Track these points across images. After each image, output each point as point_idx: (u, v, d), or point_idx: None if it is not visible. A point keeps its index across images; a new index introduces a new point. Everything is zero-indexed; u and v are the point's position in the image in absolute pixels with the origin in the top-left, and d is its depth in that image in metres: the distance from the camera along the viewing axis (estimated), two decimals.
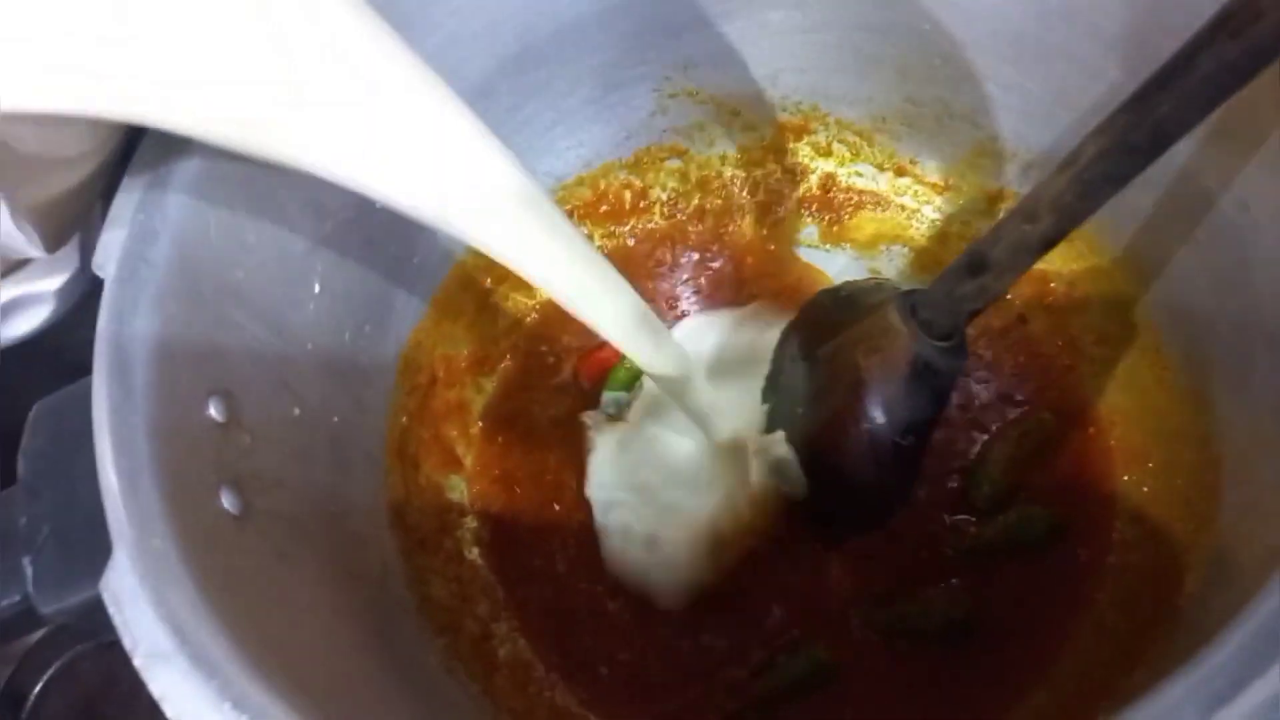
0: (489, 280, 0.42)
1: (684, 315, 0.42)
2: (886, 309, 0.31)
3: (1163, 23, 0.28)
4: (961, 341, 0.30)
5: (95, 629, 0.24)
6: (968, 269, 0.29)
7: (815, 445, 0.33)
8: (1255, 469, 0.29)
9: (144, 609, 0.21)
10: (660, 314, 0.42)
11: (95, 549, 0.23)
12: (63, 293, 0.34)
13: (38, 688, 0.46)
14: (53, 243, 0.29)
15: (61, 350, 0.35)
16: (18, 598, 0.25)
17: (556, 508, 0.39)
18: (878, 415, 0.31)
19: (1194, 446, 0.33)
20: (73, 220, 0.30)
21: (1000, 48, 0.36)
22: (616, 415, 0.39)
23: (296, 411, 0.32)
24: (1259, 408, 0.29)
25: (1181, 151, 0.30)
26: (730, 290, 0.43)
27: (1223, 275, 0.31)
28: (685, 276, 0.44)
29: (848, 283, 0.38)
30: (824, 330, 0.34)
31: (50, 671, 0.46)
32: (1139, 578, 0.32)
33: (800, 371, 0.35)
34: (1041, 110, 0.36)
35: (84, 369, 0.26)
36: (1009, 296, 0.39)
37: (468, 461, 0.40)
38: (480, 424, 0.41)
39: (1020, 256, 0.28)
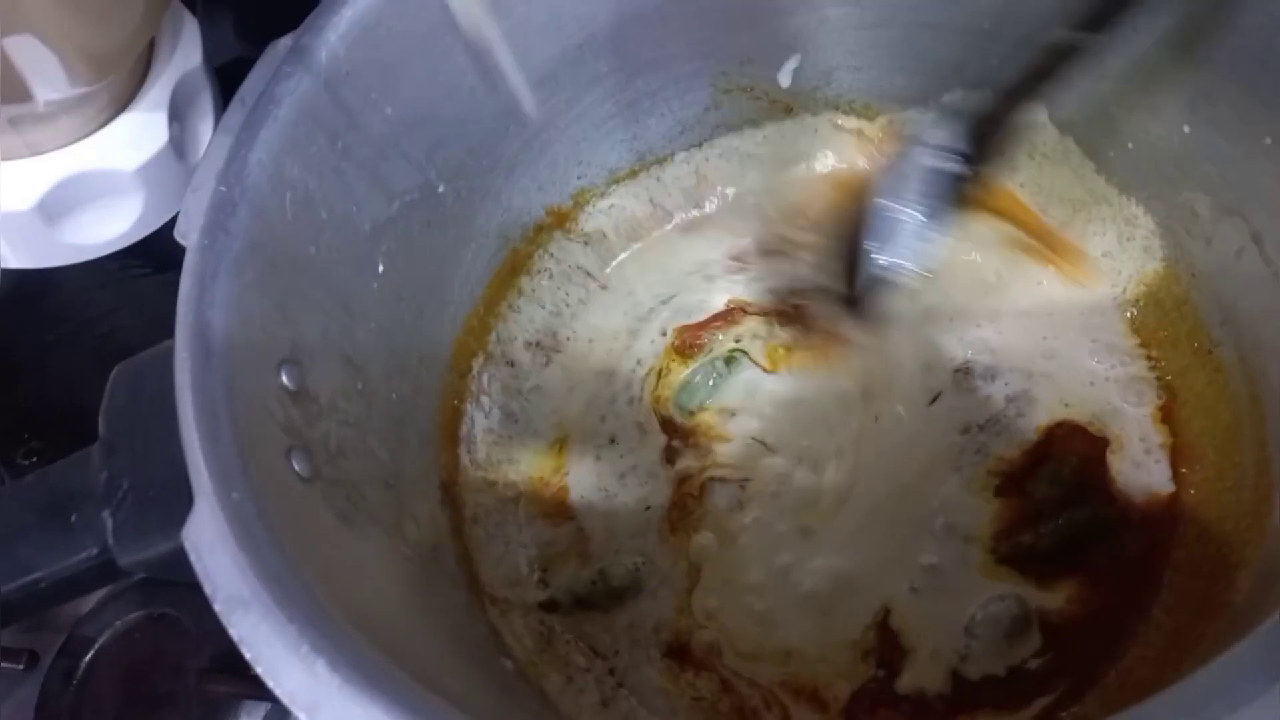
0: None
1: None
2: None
3: None
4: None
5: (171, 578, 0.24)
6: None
7: None
8: None
9: (225, 556, 0.22)
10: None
11: (172, 505, 0.24)
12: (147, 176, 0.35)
13: (88, 658, 0.47)
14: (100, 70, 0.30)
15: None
16: (96, 550, 0.26)
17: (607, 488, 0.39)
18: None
19: (1249, 448, 0.32)
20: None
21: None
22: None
23: (359, 386, 0.33)
24: None
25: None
26: None
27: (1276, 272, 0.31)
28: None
29: None
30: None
31: (99, 642, 0.47)
32: (1193, 576, 0.32)
33: None
34: (1100, 110, 0.36)
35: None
36: None
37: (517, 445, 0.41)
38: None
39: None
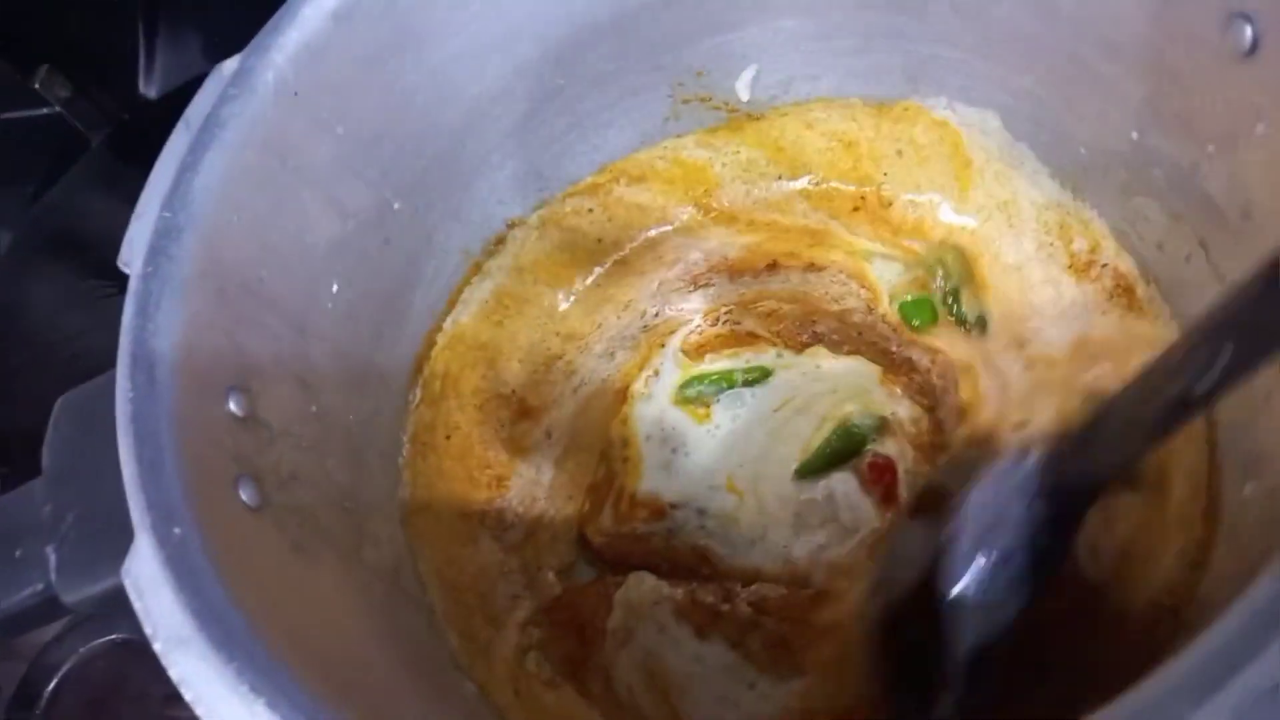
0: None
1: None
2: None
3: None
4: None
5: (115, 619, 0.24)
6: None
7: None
8: (1262, 472, 0.29)
9: (164, 595, 0.21)
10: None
11: (118, 539, 0.24)
12: None
13: (51, 686, 0.46)
14: None
15: None
16: (40, 586, 0.26)
17: (570, 512, 0.39)
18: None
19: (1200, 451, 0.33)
20: None
21: (1013, 57, 0.36)
22: None
23: (314, 409, 0.32)
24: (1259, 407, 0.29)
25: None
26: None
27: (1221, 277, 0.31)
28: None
29: None
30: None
31: (63, 670, 0.46)
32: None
33: None
34: (1052, 121, 0.37)
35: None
36: None
37: (482, 466, 0.41)
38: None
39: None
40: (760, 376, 0.40)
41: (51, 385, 0.32)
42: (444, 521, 0.38)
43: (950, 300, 0.39)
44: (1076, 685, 0.28)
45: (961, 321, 0.39)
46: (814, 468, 0.37)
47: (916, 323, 0.40)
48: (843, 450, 0.37)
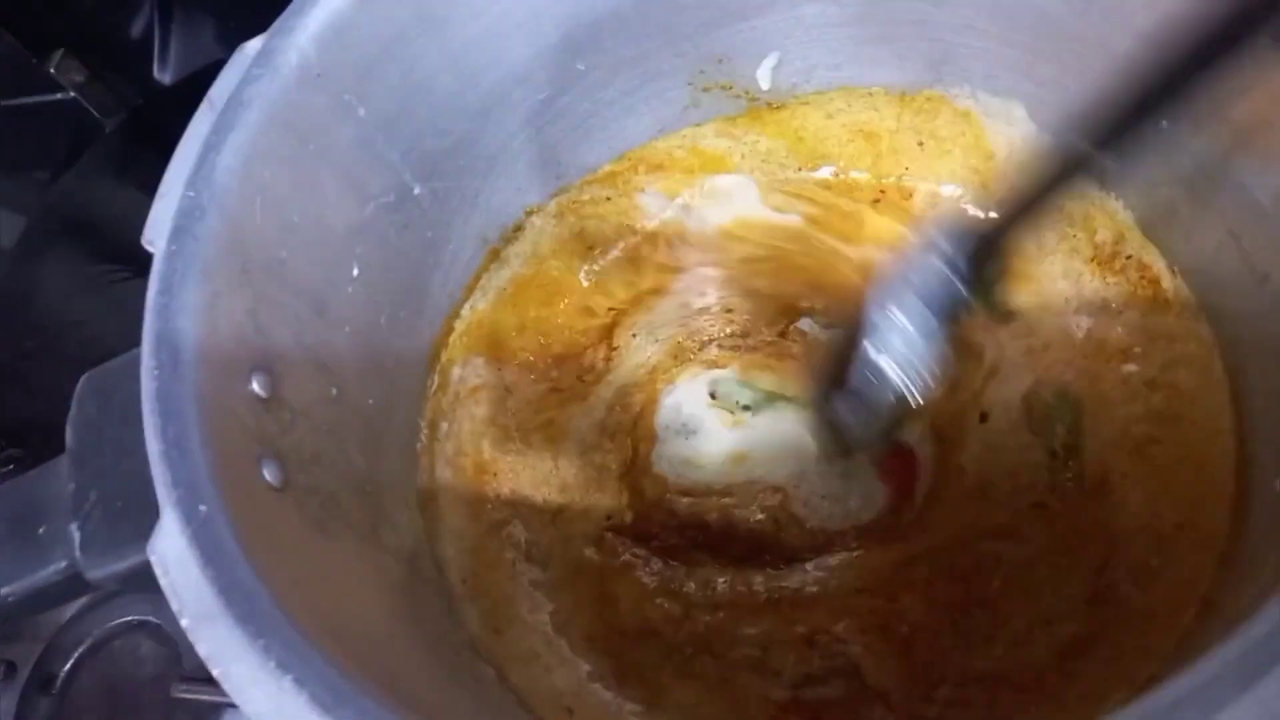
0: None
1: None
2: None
3: None
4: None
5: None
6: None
7: None
8: None
9: (191, 571, 0.21)
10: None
11: (141, 516, 0.24)
12: None
13: (67, 667, 0.46)
14: None
15: None
16: (64, 563, 0.26)
17: (581, 496, 0.39)
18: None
19: (1231, 439, 0.32)
20: None
21: (1039, 45, 0.36)
22: None
23: (334, 391, 0.32)
24: None
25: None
26: None
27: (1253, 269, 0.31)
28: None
29: None
30: None
31: (79, 651, 0.47)
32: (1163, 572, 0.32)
33: None
34: (1079, 106, 0.36)
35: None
36: None
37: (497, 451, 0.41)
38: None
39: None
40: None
41: (65, 370, 0.32)
42: (461, 507, 0.38)
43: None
44: (1108, 675, 0.28)
45: (992, 312, 0.39)
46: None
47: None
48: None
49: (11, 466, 0.51)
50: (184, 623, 0.21)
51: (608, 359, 0.41)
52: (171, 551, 0.22)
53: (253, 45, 0.30)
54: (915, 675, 0.32)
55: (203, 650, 0.20)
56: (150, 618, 0.46)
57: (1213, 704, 0.17)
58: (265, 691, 0.20)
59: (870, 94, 0.42)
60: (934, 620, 0.33)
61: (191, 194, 0.28)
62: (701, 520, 0.37)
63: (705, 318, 0.42)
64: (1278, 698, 0.17)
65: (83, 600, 0.47)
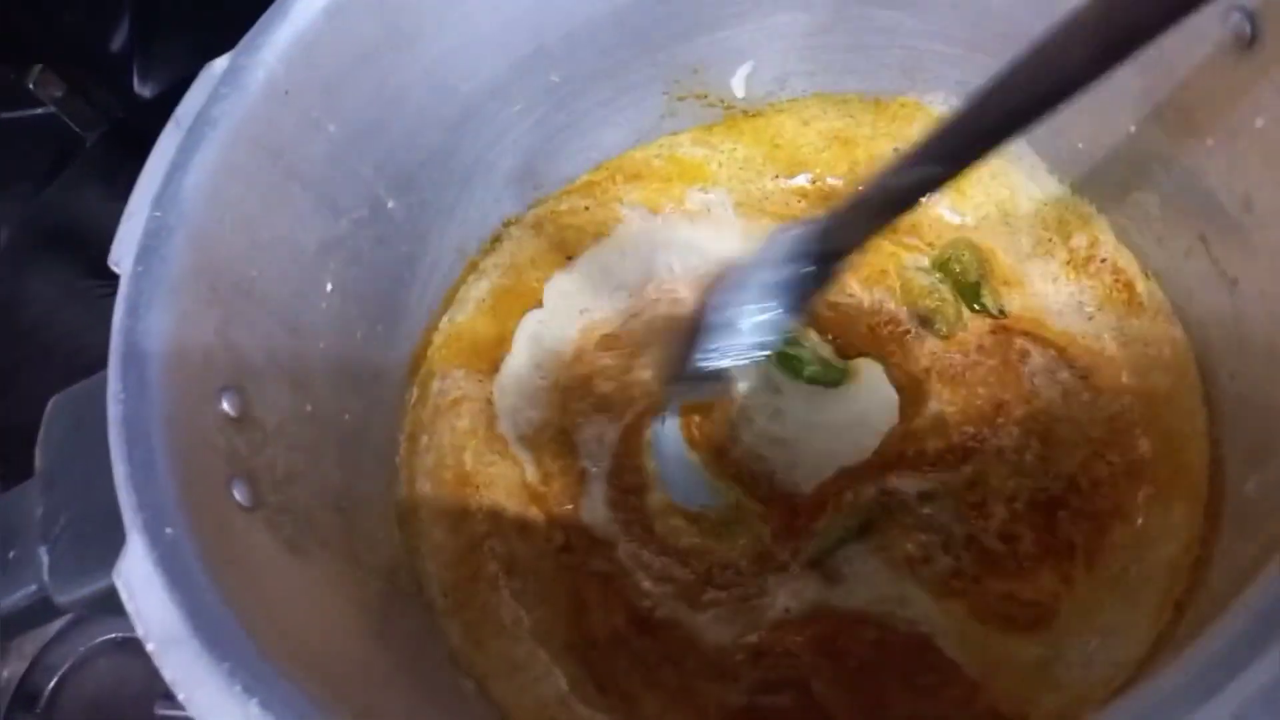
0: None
1: None
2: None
3: None
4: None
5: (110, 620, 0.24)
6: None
7: None
8: (1265, 467, 0.29)
9: (157, 595, 0.21)
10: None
11: (110, 540, 0.24)
12: None
13: (51, 685, 0.46)
14: None
15: None
16: (33, 587, 0.26)
17: (569, 507, 0.39)
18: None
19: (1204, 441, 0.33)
20: None
21: (1010, 52, 0.36)
22: None
23: (308, 408, 0.32)
24: (1261, 402, 0.29)
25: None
26: None
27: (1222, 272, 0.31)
28: None
29: None
30: None
31: (63, 669, 0.46)
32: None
33: None
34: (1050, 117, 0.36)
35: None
36: None
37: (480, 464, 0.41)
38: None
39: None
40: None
41: (48, 384, 0.32)
42: (442, 520, 0.38)
43: (971, 294, 0.39)
44: (1083, 684, 0.28)
45: (987, 315, 0.39)
46: None
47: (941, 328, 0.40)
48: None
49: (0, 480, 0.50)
50: (149, 647, 0.21)
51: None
52: (137, 575, 0.22)
53: (219, 64, 0.30)
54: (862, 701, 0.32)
55: (168, 675, 0.20)
56: (133, 635, 0.45)
57: (1186, 708, 0.17)
58: (231, 716, 0.20)
59: (845, 101, 0.42)
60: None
61: (158, 214, 0.28)
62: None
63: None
64: (1250, 700, 0.17)
65: (66, 618, 0.47)
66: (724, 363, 0.31)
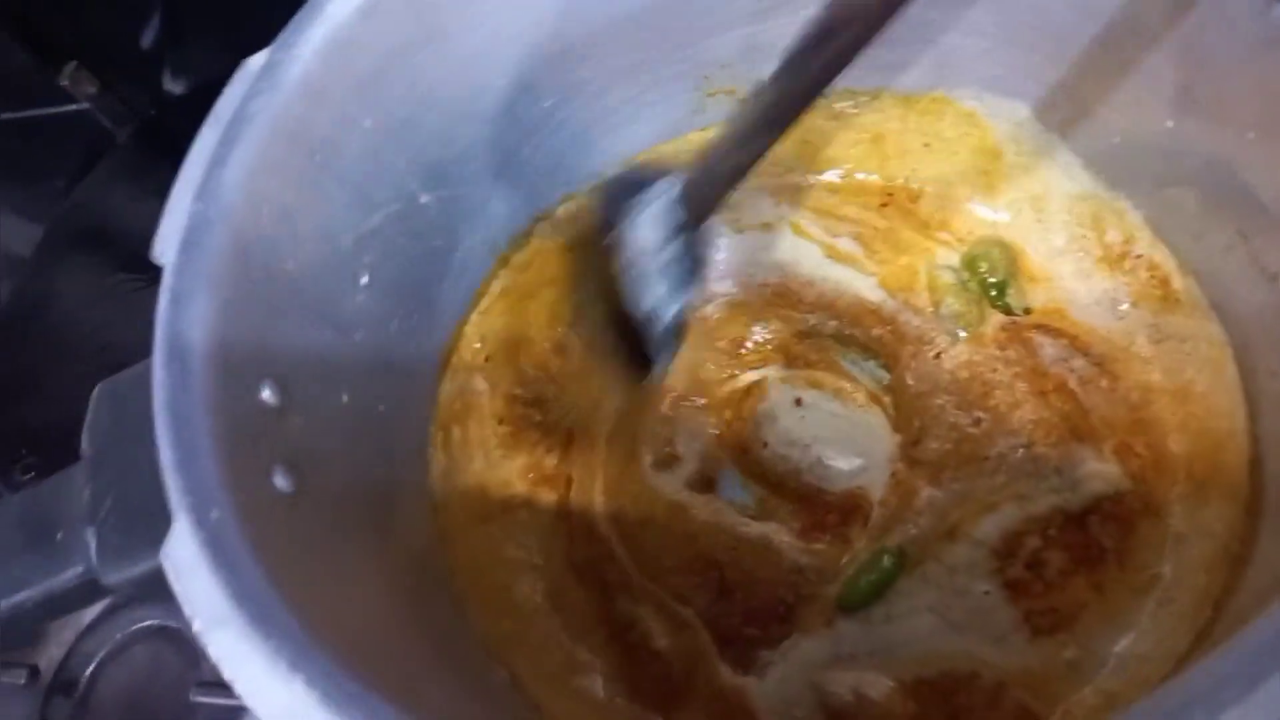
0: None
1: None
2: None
3: None
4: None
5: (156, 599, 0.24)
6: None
7: None
8: None
9: (203, 576, 0.22)
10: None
11: (155, 522, 0.24)
12: None
13: (88, 671, 0.47)
14: None
15: None
16: (81, 569, 0.26)
17: (600, 497, 0.39)
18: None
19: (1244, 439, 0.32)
20: None
21: (1043, 46, 0.36)
22: None
23: (345, 398, 0.33)
24: None
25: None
26: None
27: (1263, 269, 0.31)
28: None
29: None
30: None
31: (100, 656, 0.47)
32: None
33: None
34: (1084, 111, 0.36)
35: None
36: None
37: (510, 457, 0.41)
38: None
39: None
40: None
41: (80, 378, 0.33)
42: (471, 511, 0.38)
43: (996, 294, 0.39)
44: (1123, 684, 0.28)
45: (1008, 313, 0.39)
46: None
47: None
48: None
49: (32, 474, 0.51)
50: (196, 627, 0.21)
51: None
52: (184, 557, 0.22)
53: (256, 60, 0.31)
54: None
55: (214, 654, 0.21)
56: (170, 623, 0.46)
57: (1219, 705, 0.17)
58: (277, 693, 0.20)
59: (875, 96, 0.42)
60: None
61: (199, 207, 0.28)
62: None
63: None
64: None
65: (103, 606, 0.48)
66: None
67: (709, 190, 0.31)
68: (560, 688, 0.35)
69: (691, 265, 0.32)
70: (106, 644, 0.47)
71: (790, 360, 0.41)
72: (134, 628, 0.47)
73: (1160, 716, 0.18)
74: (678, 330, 0.33)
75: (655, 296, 0.32)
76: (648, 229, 0.32)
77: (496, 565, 0.37)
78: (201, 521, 0.23)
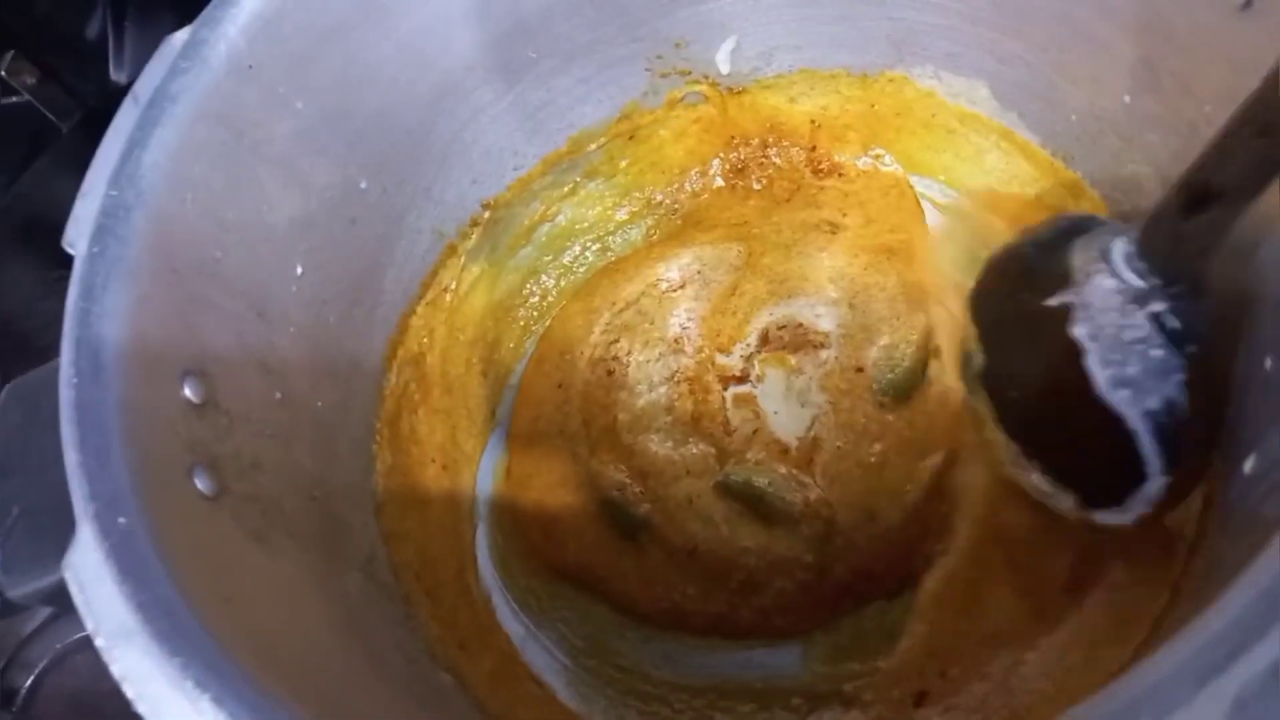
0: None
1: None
2: (1093, 265, 0.26)
3: None
4: (1198, 282, 0.25)
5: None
6: (1187, 205, 0.24)
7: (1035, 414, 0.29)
8: (1264, 445, 0.28)
9: (108, 587, 0.20)
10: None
11: (65, 532, 0.23)
12: None
13: (28, 682, 0.45)
14: None
15: None
16: None
17: (561, 493, 0.38)
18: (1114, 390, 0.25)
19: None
20: None
21: (1002, 21, 0.35)
22: None
23: (278, 395, 0.31)
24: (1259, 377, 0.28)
25: None
26: None
27: None
28: None
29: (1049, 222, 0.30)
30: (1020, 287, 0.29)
31: (41, 666, 0.45)
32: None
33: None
34: (1042, 88, 0.35)
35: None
36: None
37: (457, 451, 0.40)
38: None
39: (1257, 176, 0.22)
40: None
41: (22, 373, 0.31)
42: (419, 508, 0.37)
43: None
44: (1087, 662, 0.27)
45: None
46: None
47: None
48: None
49: None
50: (98, 642, 0.20)
51: (569, 352, 0.40)
52: (87, 567, 0.21)
53: (179, 37, 0.29)
54: None
55: (116, 671, 0.19)
56: None
57: (1189, 686, 0.16)
58: (182, 713, 0.19)
59: (832, 76, 0.41)
60: None
61: (114, 193, 0.26)
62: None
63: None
64: (1251, 682, 0.16)
65: (44, 615, 0.46)
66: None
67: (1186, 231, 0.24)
68: (513, 690, 0.34)
69: (1171, 342, 0.25)
70: (47, 654, 0.45)
71: None
72: (75, 637, 0.45)
73: (1152, 683, 0.16)
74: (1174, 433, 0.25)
75: (1127, 378, 0.25)
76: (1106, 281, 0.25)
77: (445, 564, 0.36)
78: (108, 529, 0.21)
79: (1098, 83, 0.32)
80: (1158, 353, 0.25)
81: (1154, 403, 0.26)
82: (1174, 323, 0.25)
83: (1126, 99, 0.31)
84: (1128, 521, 0.27)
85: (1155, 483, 0.26)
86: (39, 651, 0.46)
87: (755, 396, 0.38)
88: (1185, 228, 0.24)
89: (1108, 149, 0.34)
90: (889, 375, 0.37)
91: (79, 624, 0.46)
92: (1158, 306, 0.25)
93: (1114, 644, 0.30)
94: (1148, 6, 0.29)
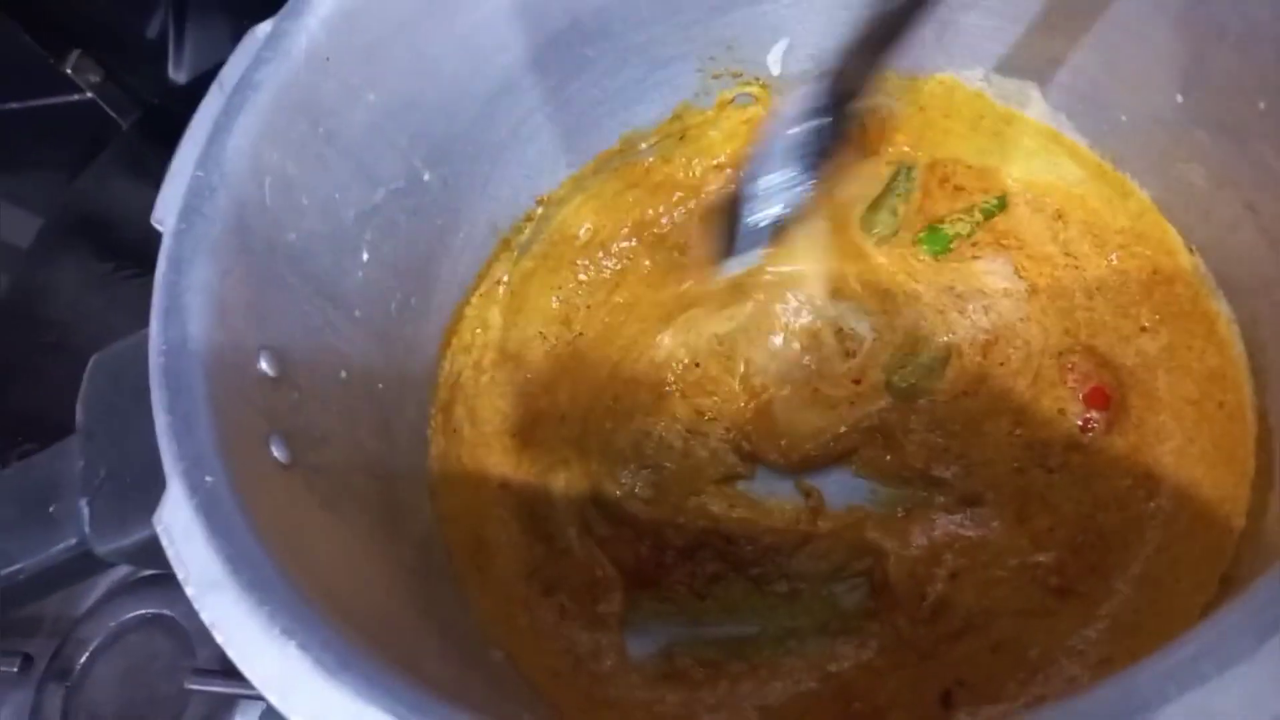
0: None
1: None
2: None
3: None
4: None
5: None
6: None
7: None
8: None
9: (197, 540, 0.21)
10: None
11: (149, 492, 0.24)
12: None
13: (83, 659, 0.46)
14: None
15: None
16: (74, 540, 0.26)
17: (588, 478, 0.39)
18: None
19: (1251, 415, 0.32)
20: None
21: (1051, 22, 0.35)
22: None
23: (343, 374, 0.32)
24: None
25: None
26: None
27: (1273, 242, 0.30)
28: None
29: None
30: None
31: (94, 644, 0.47)
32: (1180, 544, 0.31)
33: None
34: (1091, 89, 0.36)
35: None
36: None
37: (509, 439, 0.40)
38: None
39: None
40: None
41: (77, 364, 0.32)
42: (470, 493, 0.38)
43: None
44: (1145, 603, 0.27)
45: None
46: None
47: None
48: None
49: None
50: (189, 591, 0.21)
51: (609, 347, 0.41)
52: (177, 522, 0.22)
53: (262, 29, 0.30)
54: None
55: (207, 618, 0.20)
56: (164, 611, 0.46)
57: (1228, 659, 0.16)
58: (270, 657, 0.20)
59: (881, 79, 0.41)
60: None
61: (200, 174, 0.28)
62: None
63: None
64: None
65: (99, 594, 0.48)
66: (765, 220, 0.33)
67: (855, 66, 0.30)
68: (560, 667, 0.34)
69: (818, 153, 0.31)
70: (101, 632, 0.46)
71: None
72: (128, 616, 0.46)
73: (1170, 669, 0.17)
74: (776, 226, 0.33)
75: (771, 179, 0.32)
76: (791, 103, 0.31)
77: (496, 547, 0.37)
78: (196, 487, 0.22)
79: (1148, 82, 0.33)
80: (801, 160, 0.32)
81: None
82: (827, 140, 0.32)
83: (1179, 98, 0.32)
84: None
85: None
86: (92, 630, 0.47)
87: None
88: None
89: (1157, 149, 0.34)
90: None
91: (132, 604, 0.47)
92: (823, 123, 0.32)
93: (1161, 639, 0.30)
94: (1199, 4, 0.30)
